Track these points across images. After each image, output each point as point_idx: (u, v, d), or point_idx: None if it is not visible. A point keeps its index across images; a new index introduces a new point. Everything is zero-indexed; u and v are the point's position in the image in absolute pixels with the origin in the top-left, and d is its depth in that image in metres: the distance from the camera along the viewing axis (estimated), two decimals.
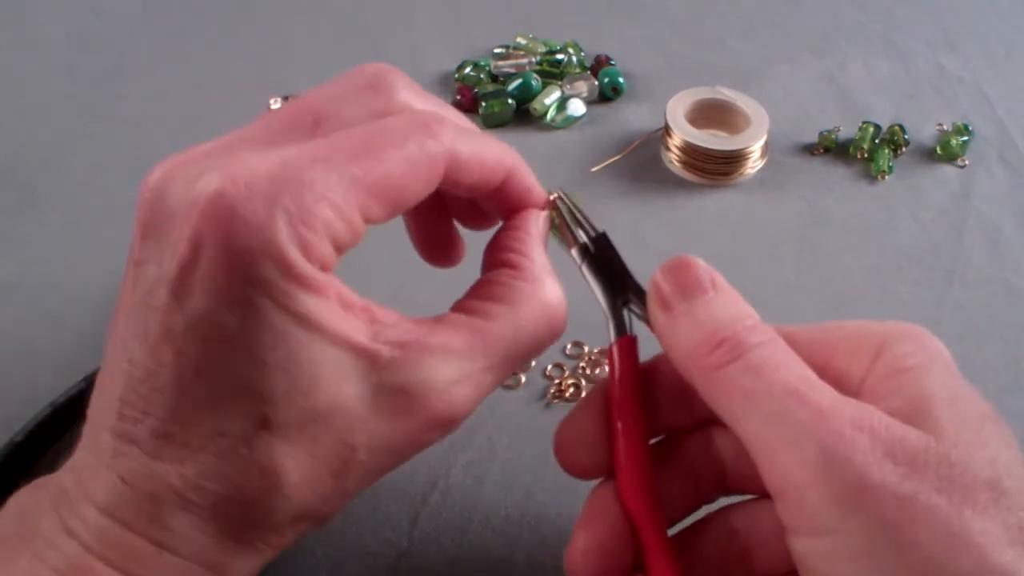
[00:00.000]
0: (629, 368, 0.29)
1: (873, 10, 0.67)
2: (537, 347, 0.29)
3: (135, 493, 0.24)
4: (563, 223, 0.32)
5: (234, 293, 0.24)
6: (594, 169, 0.53)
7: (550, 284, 0.29)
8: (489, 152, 0.30)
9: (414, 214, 0.35)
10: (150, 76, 0.60)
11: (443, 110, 0.30)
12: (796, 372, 0.26)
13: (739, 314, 0.27)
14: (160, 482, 0.24)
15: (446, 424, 0.27)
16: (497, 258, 0.30)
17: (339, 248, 0.25)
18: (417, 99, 0.29)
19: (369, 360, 0.25)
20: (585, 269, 0.31)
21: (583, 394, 0.40)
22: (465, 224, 0.34)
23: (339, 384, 0.25)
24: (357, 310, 0.26)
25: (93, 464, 0.25)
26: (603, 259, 0.31)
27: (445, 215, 0.34)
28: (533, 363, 0.41)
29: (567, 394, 0.40)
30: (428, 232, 0.35)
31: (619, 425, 0.28)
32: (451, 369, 0.26)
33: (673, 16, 0.66)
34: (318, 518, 0.26)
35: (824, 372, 0.26)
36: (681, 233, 0.49)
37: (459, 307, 0.28)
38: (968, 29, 0.65)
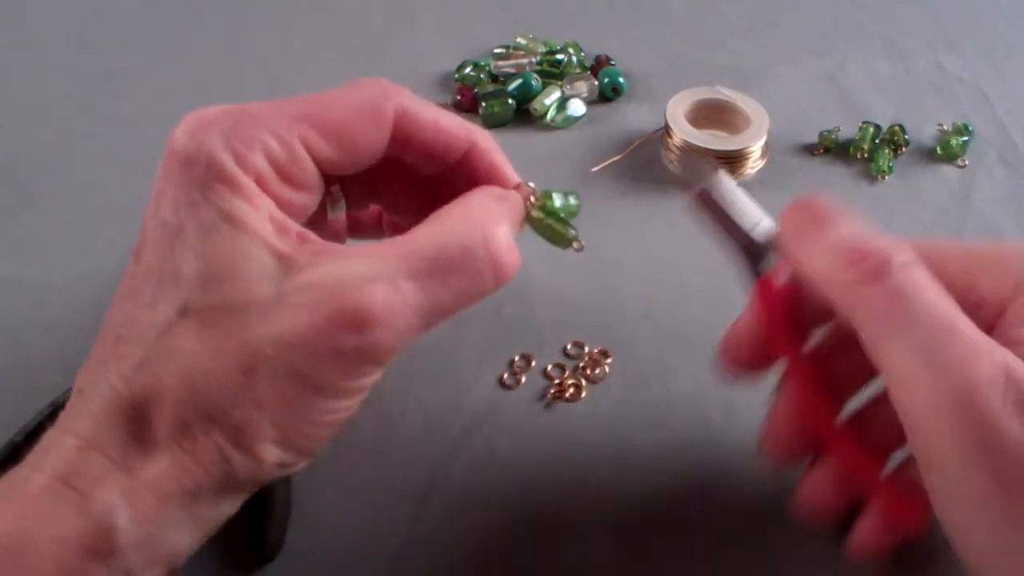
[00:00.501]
0: (775, 302, 0.30)
1: (873, 10, 0.67)
2: (473, 266, 0.28)
3: (82, 398, 0.26)
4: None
5: (180, 196, 0.27)
6: (594, 169, 0.53)
7: (491, 211, 0.30)
8: (448, 119, 0.31)
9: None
10: (150, 76, 0.60)
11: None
12: (943, 305, 0.25)
13: (876, 233, 0.27)
14: (103, 382, 0.26)
15: (359, 324, 0.26)
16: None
17: (280, 170, 0.28)
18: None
19: (287, 263, 0.26)
20: (704, 214, 0.31)
21: (583, 394, 0.40)
22: None
23: (256, 279, 0.26)
24: (290, 232, 0.27)
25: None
26: (715, 205, 0.32)
27: None
28: (534, 363, 0.41)
29: (567, 394, 0.40)
30: None
31: (783, 351, 0.30)
32: (365, 267, 0.26)
33: (673, 16, 0.67)
34: (231, 428, 0.26)
35: (965, 297, 0.26)
36: (681, 233, 0.49)
37: None
38: (968, 29, 0.65)
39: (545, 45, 0.61)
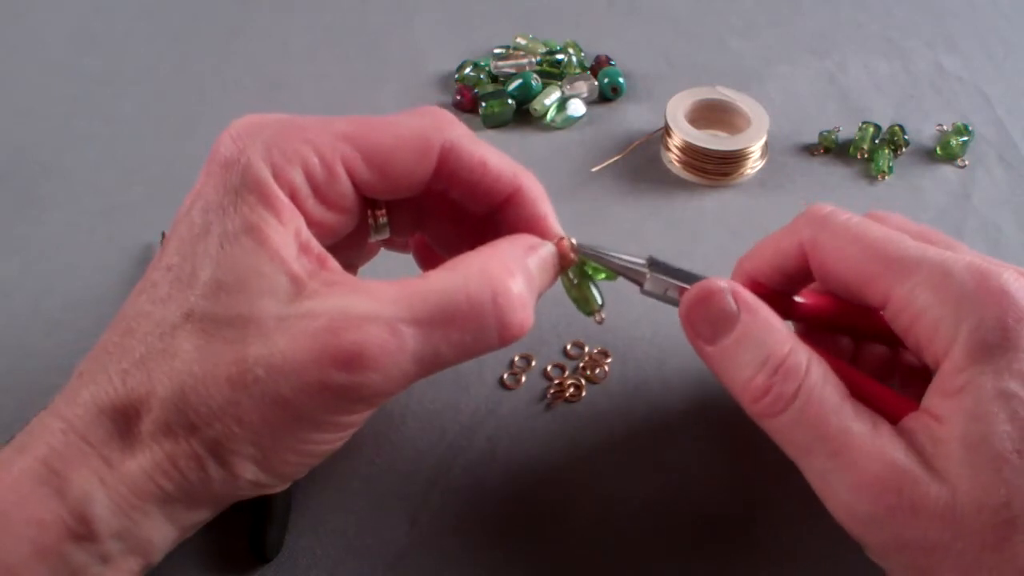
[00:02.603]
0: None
1: (873, 10, 0.67)
2: (478, 320, 0.27)
3: (79, 382, 0.26)
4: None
5: (213, 199, 0.27)
6: (594, 169, 0.53)
7: (511, 268, 0.28)
8: (496, 160, 0.31)
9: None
10: (150, 76, 0.60)
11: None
12: (836, 420, 0.27)
13: (773, 346, 0.29)
14: (102, 372, 0.26)
15: (350, 363, 0.25)
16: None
17: (316, 188, 0.28)
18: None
19: (297, 287, 0.26)
20: (659, 276, 0.32)
21: (583, 394, 0.40)
22: None
23: (264, 297, 0.26)
24: (312, 254, 0.27)
25: None
26: (665, 266, 0.33)
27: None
28: (534, 362, 0.41)
29: (567, 394, 0.40)
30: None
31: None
32: (367, 305, 0.26)
33: (673, 16, 0.67)
34: (211, 440, 0.26)
35: (907, 335, 0.28)
36: (681, 233, 0.49)
37: None
38: (968, 29, 0.65)
39: (545, 45, 0.61)
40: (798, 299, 0.35)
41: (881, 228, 0.30)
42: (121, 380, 0.26)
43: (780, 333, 0.29)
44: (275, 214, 0.27)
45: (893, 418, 0.28)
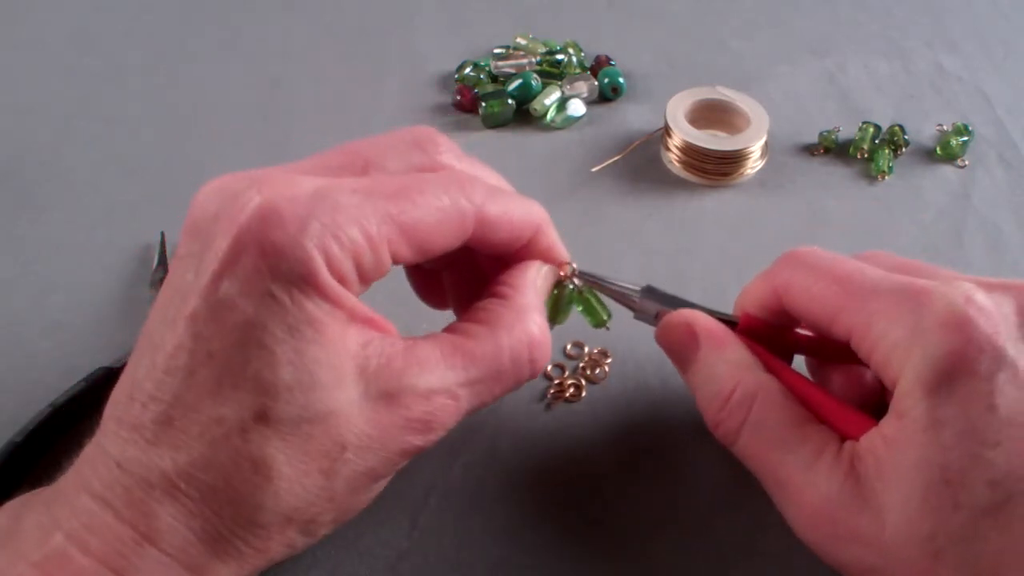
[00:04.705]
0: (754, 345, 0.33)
1: (873, 10, 0.67)
2: (517, 373, 0.31)
3: (127, 477, 0.25)
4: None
5: (258, 284, 0.25)
6: (594, 169, 0.53)
7: (536, 317, 0.31)
8: (517, 211, 0.31)
9: (412, 269, 0.37)
10: (150, 76, 0.60)
11: (479, 170, 0.32)
12: (775, 457, 0.30)
13: (721, 383, 0.32)
14: (153, 468, 0.25)
15: (425, 429, 0.28)
16: (490, 290, 0.32)
17: (362, 273, 0.27)
18: (457, 160, 0.31)
19: (359, 368, 0.27)
20: (648, 301, 0.35)
21: (583, 394, 0.40)
22: None
23: (334, 387, 0.26)
24: (361, 321, 0.28)
25: (94, 453, 0.26)
26: (660, 295, 0.35)
27: (437, 274, 0.36)
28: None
29: (567, 394, 0.40)
30: (427, 281, 0.37)
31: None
32: (430, 379, 0.28)
33: (673, 16, 0.67)
34: (304, 521, 0.27)
35: (871, 359, 0.29)
36: (681, 233, 0.49)
37: (449, 328, 0.31)
38: (968, 29, 0.65)
39: (545, 45, 0.61)
40: (800, 331, 0.35)
41: (849, 263, 0.31)
42: (187, 483, 0.25)
43: (731, 367, 0.32)
44: (330, 302, 0.26)
45: (856, 435, 0.29)
